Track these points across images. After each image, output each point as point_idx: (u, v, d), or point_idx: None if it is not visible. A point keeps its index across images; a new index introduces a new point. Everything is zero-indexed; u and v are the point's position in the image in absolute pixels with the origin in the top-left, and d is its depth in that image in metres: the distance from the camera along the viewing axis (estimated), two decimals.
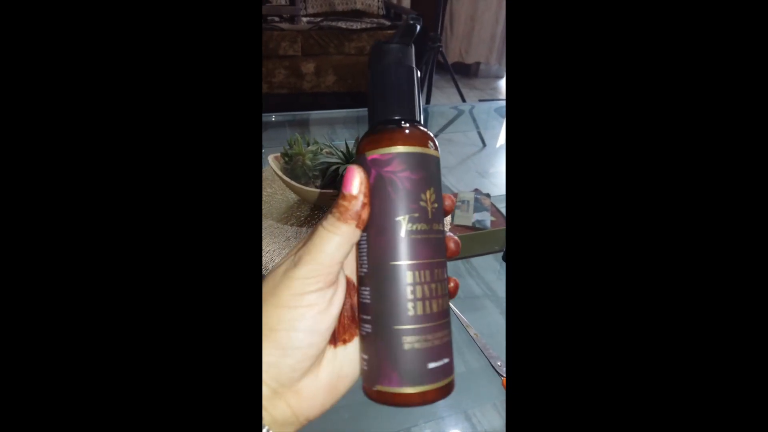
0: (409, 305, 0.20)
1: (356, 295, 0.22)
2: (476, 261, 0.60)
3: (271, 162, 0.55)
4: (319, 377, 0.21)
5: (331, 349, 0.21)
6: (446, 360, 0.20)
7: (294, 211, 0.58)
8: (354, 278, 0.22)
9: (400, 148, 0.20)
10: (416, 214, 0.20)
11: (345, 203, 0.20)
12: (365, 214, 0.20)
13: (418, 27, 0.22)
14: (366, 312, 0.21)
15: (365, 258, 0.21)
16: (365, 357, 0.21)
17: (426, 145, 0.21)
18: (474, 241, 0.59)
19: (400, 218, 0.20)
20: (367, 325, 0.21)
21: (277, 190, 0.62)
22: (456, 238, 0.22)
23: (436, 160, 0.21)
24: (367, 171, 0.21)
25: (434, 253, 0.21)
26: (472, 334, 0.47)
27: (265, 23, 1.81)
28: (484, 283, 0.57)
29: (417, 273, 0.20)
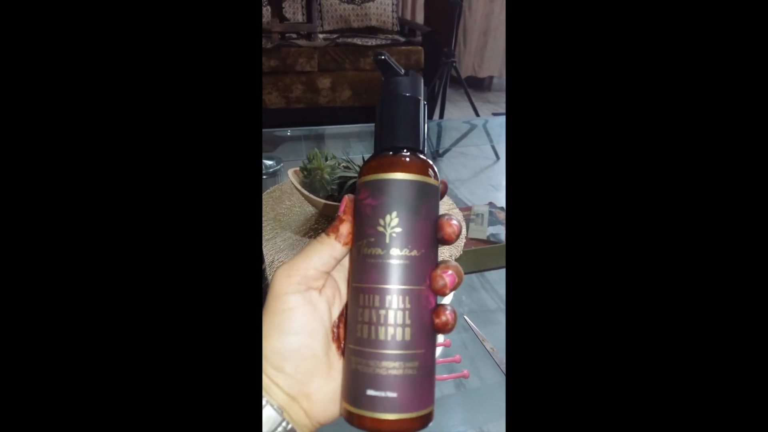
0: (357, 327, 0.21)
1: None
2: (490, 275, 0.60)
3: (291, 176, 0.56)
4: (329, 384, 0.22)
5: (342, 360, 0.23)
6: (392, 394, 0.20)
7: (312, 224, 0.59)
8: None
9: (366, 177, 0.22)
10: (372, 239, 0.21)
11: (339, 229, 0.22)
12: (344, 230, 0.22)
13: (386, 57, 0.23)
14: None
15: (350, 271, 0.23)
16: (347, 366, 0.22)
17: (392, 171, 0.21)
18: (488, 255, 0.59)
19: (359, 242, 0.21)
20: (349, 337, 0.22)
21: (295, 203, 0.64)
22: (451, 272, 0.21)
23: (410, 185, 0.21)
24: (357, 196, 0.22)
25: (390, 279, 0.20)
26: (488, 348, 0.46)
27: (283, 40, 1.87)
28: (498, 297, 0.56)
29: (367, 297, 0.20)
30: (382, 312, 0.20)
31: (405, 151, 0.22)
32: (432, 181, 0.22)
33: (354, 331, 0.21)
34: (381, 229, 0.21)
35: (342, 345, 0.23)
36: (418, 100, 0.23)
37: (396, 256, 0.20)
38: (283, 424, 0.20)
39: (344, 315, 0.23)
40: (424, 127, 0.23)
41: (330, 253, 0.22)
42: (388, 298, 0.20)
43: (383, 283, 0.20)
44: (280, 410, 0.20)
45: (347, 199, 0.23)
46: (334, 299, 0.23)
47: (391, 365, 0.20)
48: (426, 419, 0.21)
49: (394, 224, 0.21)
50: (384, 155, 0.22)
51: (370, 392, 0.20)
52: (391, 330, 0.20)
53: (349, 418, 0.21)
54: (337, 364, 0.22)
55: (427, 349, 0.21)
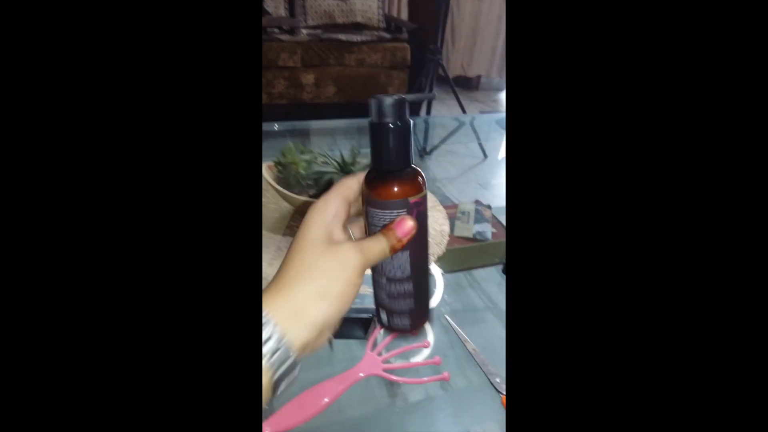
0: (431, 290, 0.33)
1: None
2: (477, 273, 0.58)
3: (265, 171, 0.53)
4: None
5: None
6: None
7: (287, 221, 0.56)
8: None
9: (425, 192, 0.27)
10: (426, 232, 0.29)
11: (396, 243, 0.26)
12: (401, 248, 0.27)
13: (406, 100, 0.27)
14: (409, 296, 0.29)
15: (407, 263, 0.28)
16: (409, 317, 0.29)
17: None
18: (475, 253, 0.59)
19: (429, 239, 0.29)
20: (408, 302, 0.29)
21: (270, 199, 0.61)
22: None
23: None
24: (410, 211, 0.26)
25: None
26: (470, 349, 0.45)
27: (265, 34, 1.83)
28: (486, 296, 0.56)
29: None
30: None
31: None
32: None
33: (431, 294, 0.31)
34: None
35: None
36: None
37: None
38: (279, 339, 0.21)
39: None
40: None
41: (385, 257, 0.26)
42: None
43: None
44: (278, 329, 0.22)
45: (410, 226, 0.26)
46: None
47: None
48: None
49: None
50: (415, 174, 0.27)
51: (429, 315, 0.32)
52: None
53: (424, 324, 0.31)
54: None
55: None
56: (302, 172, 0.52)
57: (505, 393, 0.41)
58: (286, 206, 0.59)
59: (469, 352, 0.45)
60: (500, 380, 0.42)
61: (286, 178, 0.53)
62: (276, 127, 1.01)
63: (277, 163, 0.54)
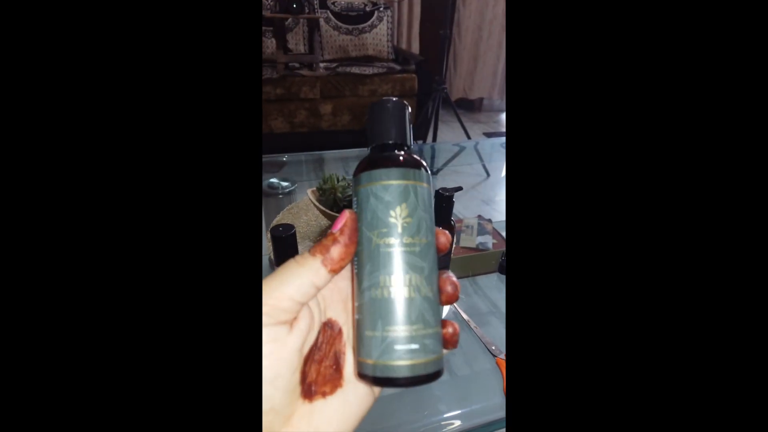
0: None
1: (341, 342, 0.20)
2: (481, 281, 0.67)
3: (309, 194, 0.67)
4: None
5: (305, 405, 0.18)
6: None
7: None
8: (339, 321, 0.20)
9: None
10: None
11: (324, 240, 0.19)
12: (334, 253, 0.18)
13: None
14: None
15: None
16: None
17: None
18: (478, 261, 0.68)
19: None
20: None
21: (311, 218, 0.74)
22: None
23: None
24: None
25: None
26: (478, 334, 0.56)
27: (287, 70, 2.01)
28: (490, 301, 0.64)
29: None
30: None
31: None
32: None
33: None
34: None
35: (317, 386, 0.18)
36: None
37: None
38: None
39: (336, 350, 0.20)
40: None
41: (311, 279, 0.18)
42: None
43: None
44: None
45: (348, 214, 0.19)
46: (308, 333, 0.19)
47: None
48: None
49: None
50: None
51: None
52: None
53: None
54: (300, 410, 0.18)
55: None
56: (339, 195, 0.66)
57: (497, 356, 0.51)
58: (325, 223, 0.72)
59: (477, 335, 0.55)
60: (495, 347, 0.53)
61: (327, 200, 0.66)
62: (285, 158, 1.09)
63: (319, 188, 0.68)
